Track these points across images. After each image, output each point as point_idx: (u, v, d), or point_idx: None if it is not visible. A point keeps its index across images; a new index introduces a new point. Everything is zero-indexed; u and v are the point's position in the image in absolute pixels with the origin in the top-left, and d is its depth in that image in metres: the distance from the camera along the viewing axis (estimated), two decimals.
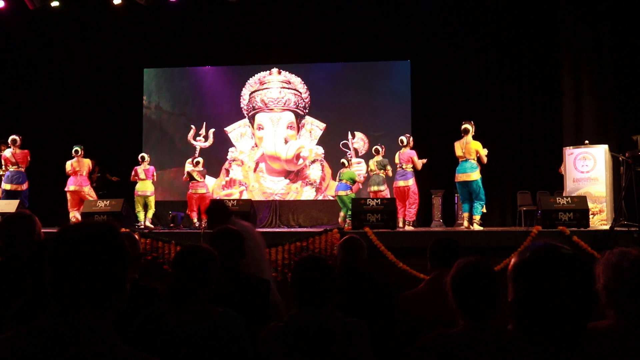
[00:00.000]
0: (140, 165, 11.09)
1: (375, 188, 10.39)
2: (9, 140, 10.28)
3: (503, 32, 12.65)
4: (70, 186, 10.47)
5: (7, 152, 10.25)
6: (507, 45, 12.67)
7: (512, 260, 1.58)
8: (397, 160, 10.19)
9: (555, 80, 11.95)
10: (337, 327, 2.55)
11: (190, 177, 11.32)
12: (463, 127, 9.40)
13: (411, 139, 10.40)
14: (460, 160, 9.39)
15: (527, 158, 12.60)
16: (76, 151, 10.54)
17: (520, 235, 7.59)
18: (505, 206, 12.63)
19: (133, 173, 11.05)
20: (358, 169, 12.61)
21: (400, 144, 10.24)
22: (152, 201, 10.97)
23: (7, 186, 10.10)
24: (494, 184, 12.72)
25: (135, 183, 11.10)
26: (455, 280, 2.32)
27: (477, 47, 12.74)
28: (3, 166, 10.46)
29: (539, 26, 12.26)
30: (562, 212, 8.00)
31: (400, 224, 9.88)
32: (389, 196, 10.21)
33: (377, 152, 10.75)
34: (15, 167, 10.16)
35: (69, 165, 10.56)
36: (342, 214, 10.68)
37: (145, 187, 10.95)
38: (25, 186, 10.26)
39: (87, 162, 10.68)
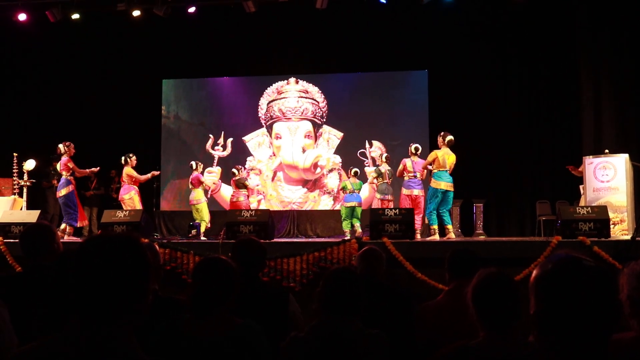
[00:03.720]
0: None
1: (389, 196, 10.43)
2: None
3: (521, 40, 12.60)
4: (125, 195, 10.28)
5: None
6: (524, 53, 12.61)
7: (534, 272, 1.57)
8: (410, 169, 9.93)
9: (574, 88, 11.86)
10: (357, 337, 2.55)
11: (242, 186, 11.26)
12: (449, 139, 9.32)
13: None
14: (445, 170, 9.30)
15: (546, 167, 12.49)
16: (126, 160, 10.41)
17: (539, 245, 7.51)
18: (524, 216, 12.54)
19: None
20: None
21: (415, 152, 9.99)
22: (195, 210, 10.81)
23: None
24: (513, 194, 12.65)
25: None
26: (476, 291, 2.30)
27: (494, 56, 12.69)
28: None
29: (557, 33, 12.19)
30: (583, 222, 7.88)
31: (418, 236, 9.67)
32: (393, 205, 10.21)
33: (389, 159, 10.82)
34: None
35: (134, 173, 10.38)
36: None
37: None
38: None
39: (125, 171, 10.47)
